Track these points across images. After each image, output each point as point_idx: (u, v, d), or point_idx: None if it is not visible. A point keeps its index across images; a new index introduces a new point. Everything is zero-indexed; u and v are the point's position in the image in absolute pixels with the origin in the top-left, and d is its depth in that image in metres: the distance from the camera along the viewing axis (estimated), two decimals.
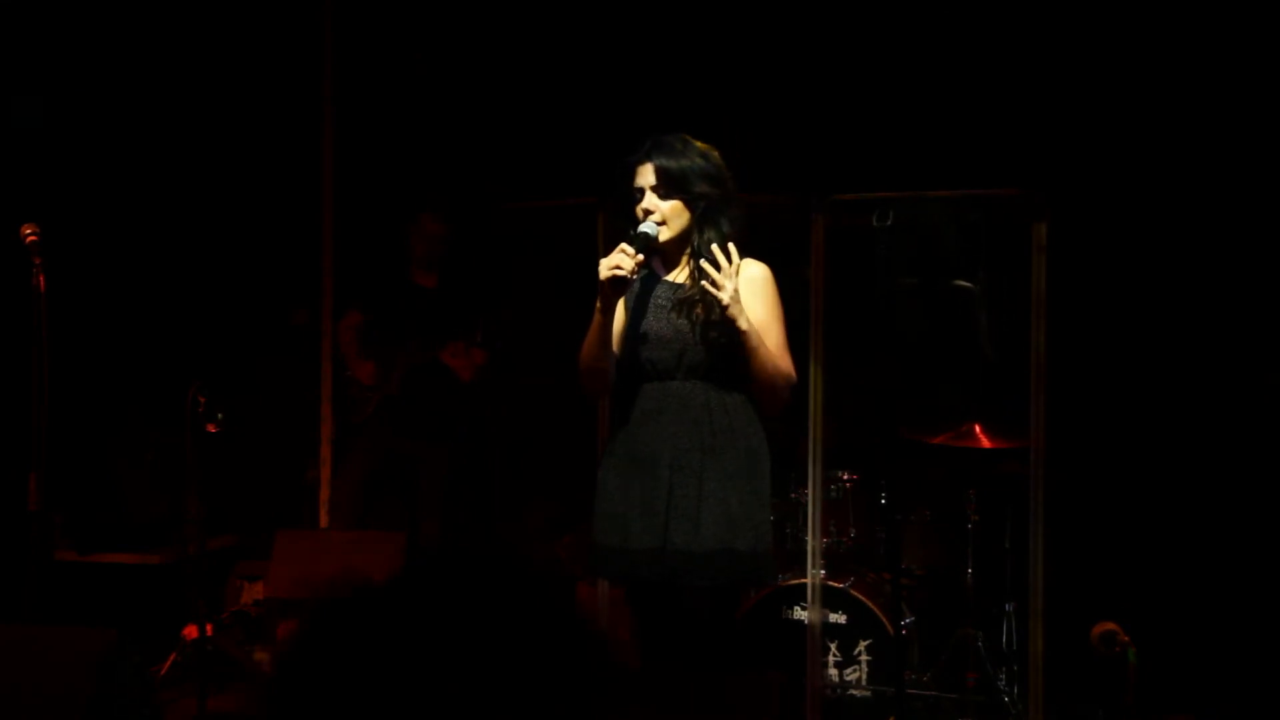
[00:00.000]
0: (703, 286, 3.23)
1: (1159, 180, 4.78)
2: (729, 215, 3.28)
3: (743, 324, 3.18)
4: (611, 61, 5.48)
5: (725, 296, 3.15)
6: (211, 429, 4.21)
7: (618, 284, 3.18)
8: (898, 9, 5.14)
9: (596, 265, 3.21)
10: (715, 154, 3.31)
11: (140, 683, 2.85)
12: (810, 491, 4.15)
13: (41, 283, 3.64)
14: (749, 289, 3.27)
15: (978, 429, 4.46)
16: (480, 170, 5.66)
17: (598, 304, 3.24)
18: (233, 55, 5.64)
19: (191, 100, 5.60)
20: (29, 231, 3.68)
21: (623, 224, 3.34)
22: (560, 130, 5.53)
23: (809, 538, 4.18)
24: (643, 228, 3.24)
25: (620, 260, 3.15)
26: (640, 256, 3.20)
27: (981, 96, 4.94)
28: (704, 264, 3.20)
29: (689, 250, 3.30)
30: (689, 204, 3.25)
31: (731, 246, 3.22)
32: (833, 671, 4.31)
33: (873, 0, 5.19)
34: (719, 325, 3.22)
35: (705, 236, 3.25)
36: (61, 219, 4.14)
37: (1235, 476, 4.65)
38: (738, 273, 3.21)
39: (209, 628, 4.45)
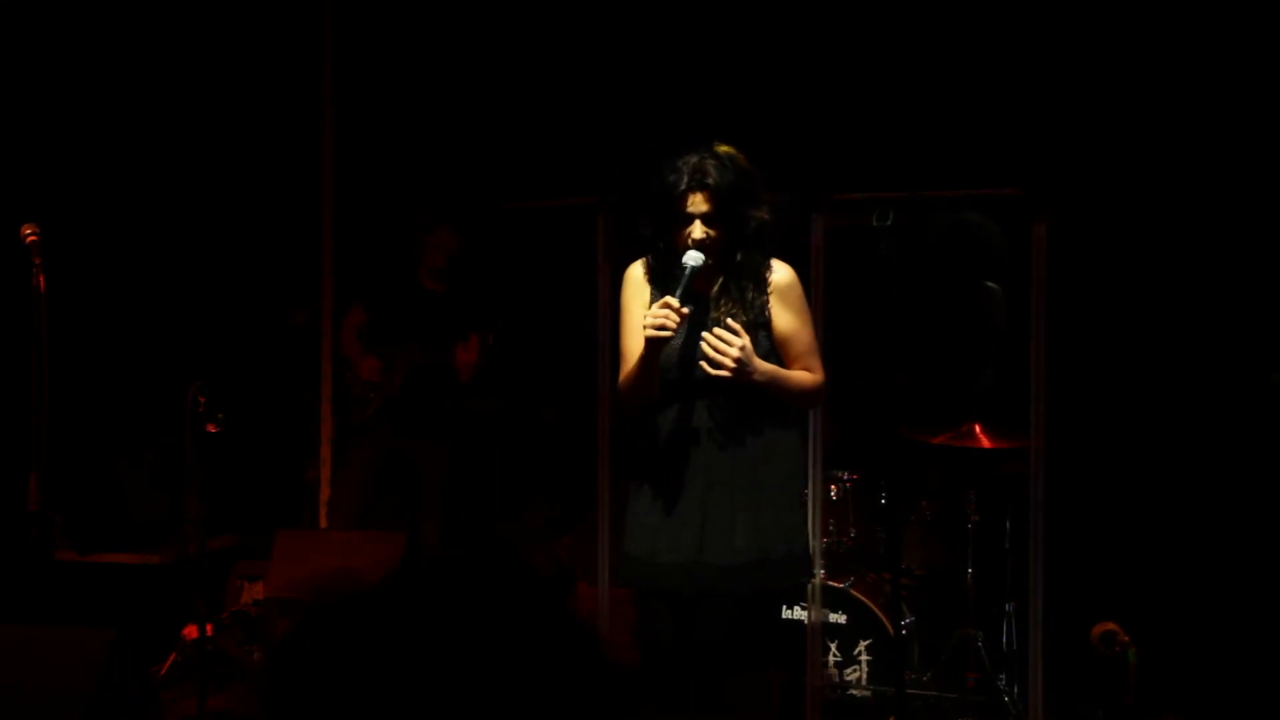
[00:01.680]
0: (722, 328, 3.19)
1: (1160, 180, 4.78)
2: (774, 233, 3.26)
3: (758, 379, 3.18)
4: (611, 62, 5.47)
5: (724, 373, 3.13)
6: (211, 429, 4.21)
7: (662, 342, 3.17)
8: (897, 9, 5.14)
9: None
10: (755, 171, 3.23)
11: (140, 683, 2.85)
12: (810, 491, 4.15)
13: (41, 283, 3.64)
14: (775, 297, 3.28)
15: (978, 429, 4.45)
16: (480, 170, 5.66)
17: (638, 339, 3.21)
18: (233, 55, 5.64)
19: (191, 100, 5.60)
20: (29, 231, 3.68)
21: (628, 223, 3.33)
22: (560, 130, 5.53)
23: (809, 538, 4.18)
24: (689, 262, 3.17)
25: (665, 319, 3.12)
26: (685, 310, 3.15)
27: (982, 96, 4.94)
28: (703, 342, 3.15)
29: (726, 268, 3.25)
30: (738, 227, 3.20)
31: (778, 273, 3.27)
32: (833, 671, 4.31)
33: (873, 0, 5.19)
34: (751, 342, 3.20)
35: (753, 257, 3.24)
36: (61, 219, 4.14)
37: (1236, 476, 4.65)
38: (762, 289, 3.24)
39: (209, 628, 4.45)
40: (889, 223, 3.69)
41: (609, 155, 3.57)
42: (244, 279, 5.69)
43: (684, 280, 3.15)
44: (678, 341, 3.25)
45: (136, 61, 5.47)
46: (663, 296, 3.20)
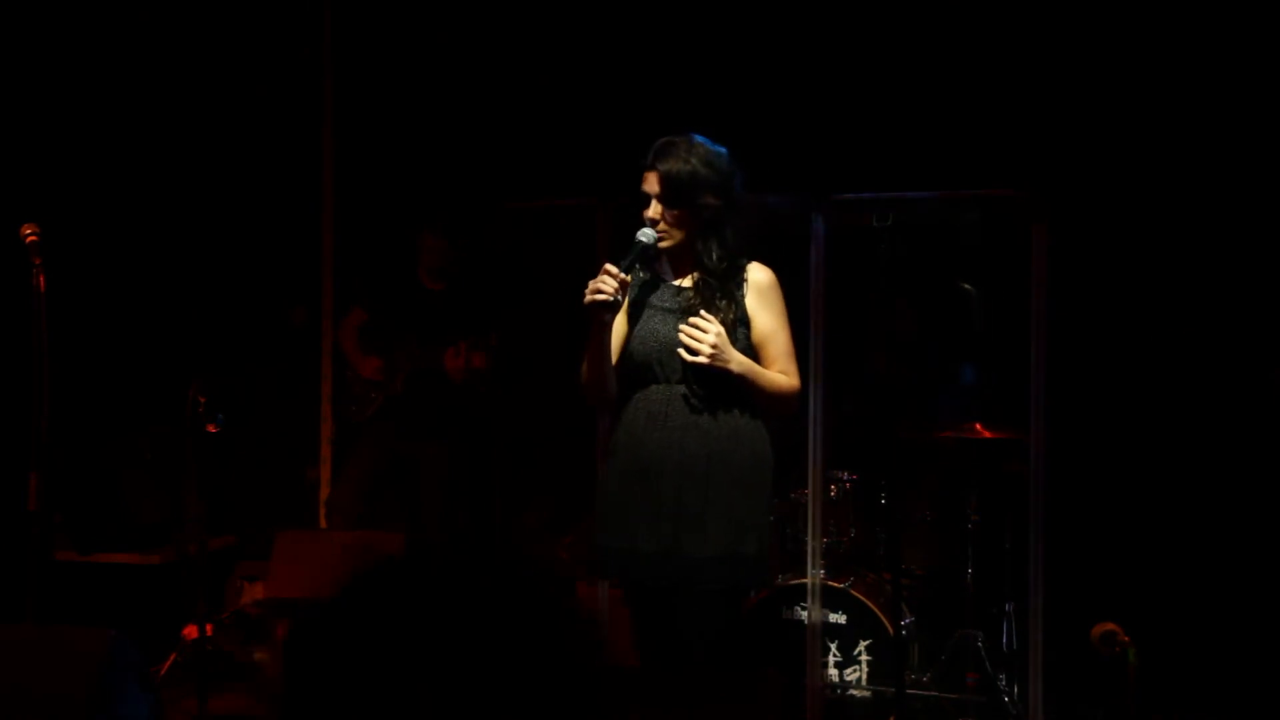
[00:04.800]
0: (700, 309, 3.25)
1: (1159, 179, 4.78)
2: (733, 224, 3.27)
3: (734, 368, 3.21)
4: (612, 61, 5.48)
5: (703, 359, 3.17)
6: (211, 429, 4.21)
7: (601, 308, 3.19)
8: (897, 9, 5.14)
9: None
10: (724, 157, 3.28)
11: (140, 683, 2.85)
12: (810, 491, 4.15)
13: (41, 283, 3.64)
14: (754, 297, 3.31)
15: (979, 428, 4.45)
16: (480, 170, 5.66)
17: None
18: (233, 55, 5.64)
19: (192, 100, 5.60)
20: (29, 231, 3.67)
21: (629, 223, 3.34)
22: (560, 130, 5.53)
23: (809, 538, 4.18)
24: (639, 237, 3.25)
25: (601, 284, 3.17)
26: (625, 276, 3.20)
27: (981, 96, 4.94)
28: (681, 333, 3.20)
29: (694, 257, 3.30)
30: (692, 214, 3.25)
31: (757, 273, 3.29)
32: (833, 671, 4.31)
33: (873, 1, 5.19)
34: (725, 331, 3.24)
35: (708, 245, 3.26)
36: (61, 219, 4.14)
37: (1236, 475, 4.65)
38: (738, 285, 3.28)
39: (209, 628, 4.45)
40: (889, 223, 3.70)
41: (609, 155, 3.58)
42: (243, 278, 5.69)
43: (632, 252, 3.23)
44: (654, 331, 3.28)
45: (136, 61, 5.47)
46: (642, 296, 3.29)
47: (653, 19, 5.38)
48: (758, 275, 3.32)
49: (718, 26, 5.30)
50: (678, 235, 3.27)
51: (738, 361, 3.22)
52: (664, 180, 3.22)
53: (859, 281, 4.13)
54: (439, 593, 1.08)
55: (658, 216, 3.25)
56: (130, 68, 5.46)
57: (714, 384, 3.25)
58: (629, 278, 3.22)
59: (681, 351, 3.20)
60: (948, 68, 5.02)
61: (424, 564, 1.12)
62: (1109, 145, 4.85)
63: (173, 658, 4.60)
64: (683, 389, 3.27)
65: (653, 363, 3.29)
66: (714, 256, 3.25)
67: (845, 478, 4.60)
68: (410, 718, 1.02)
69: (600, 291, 3.16)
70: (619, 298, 3.20)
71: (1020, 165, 4.72)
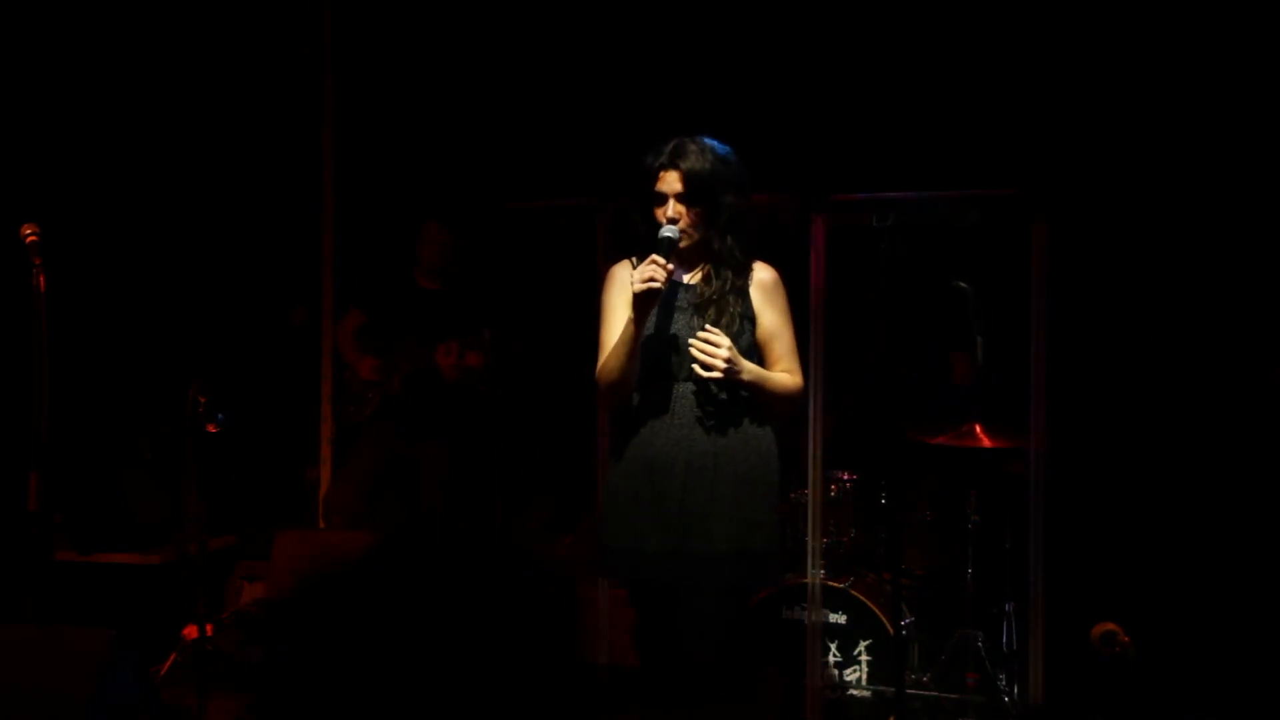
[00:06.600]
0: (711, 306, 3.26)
1: (1159, 178, 4.78)
2: (748, 222, 3.30)
3: (746, 377, 3.23)
4: (612, 62, 5.48)
5: (717, 374, 3.18)
6: (211, 429, 4.20)
7: (651, 296, 3.19)
8: (897, 9, 5.14)
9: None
10: (734, 156, 3.30)
11: (140, 683, 2.85)
12: (810, 491, 4.15)
13: (41, 283, 3.64)
14: (760, 295, 3.32)
15: (978, 429, 4.45)
16: (480, 170, 5.66)
17: (614, 310, 3.25)
18: (233, 55, 5.64)
19: (192, 100, 5.60)
20: (29, 231, 3.67)
21: (637, 222, 3.33)
22: (560, 130, 5.53)
23: (809, 538, 4.18)
24: (665, 233, 3.22)
25: (653, 272, 3.15)
26: (671, 266, 3.19)
27: (981, 96, 4.94)
28: (692, 347, 3.20)
29: (708, 254, 3.31)
30: (712, 212, 3.26)
31: (762, 272, 3.31)
32: (833, 671, 4.31)
33: (872, 1, 5.20)
34: (734, 329, 3.24)
35: (728, 243, 3.27)
36: (61, 219, 4.14)
37: (1236, 475, 4.65)
38: (744, 285, 3.29)
39: (209, 628, 4.45)
40: (889, 223, 3.70)
41: (609, 155, 3.59)
42: (243, 278, 5.69)
43: (662, 248, 3.19)
44: (663, 328, 3.28)
45: (136, 61, 5.47)
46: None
47: (652, 20, 5.38)
48: (762, 274, 3.34)
49: (717, 27, 5.30)
50: (695, 235, 3.27)
51: (749, 371, 3.24)
52: (687, 179, 3.23)
53: (859, 281, 4.13)
54: (397, 589, 1.08)
55: (678, 216, 3.24)
56: (130, 68, 5.46)
57: (721, 382, 3.26)
58: (671, 267, 3.21)
59: (696, 367, 3.20)
60: (947, 67, 5.02)
61: (382, 562, 1.13)
62: (1109, 144, 4.86)
63: (173, 658, 4.60)
64: (691, 387, 3.28)
65: (662, 360, 3.29)
66: (736, 254, 3.27)
67: (845, 478, 4.60)
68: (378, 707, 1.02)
69: (653, 279, 3.15)
70: (664, 286, 3.20)
71: (1020, 165, 4.72)
